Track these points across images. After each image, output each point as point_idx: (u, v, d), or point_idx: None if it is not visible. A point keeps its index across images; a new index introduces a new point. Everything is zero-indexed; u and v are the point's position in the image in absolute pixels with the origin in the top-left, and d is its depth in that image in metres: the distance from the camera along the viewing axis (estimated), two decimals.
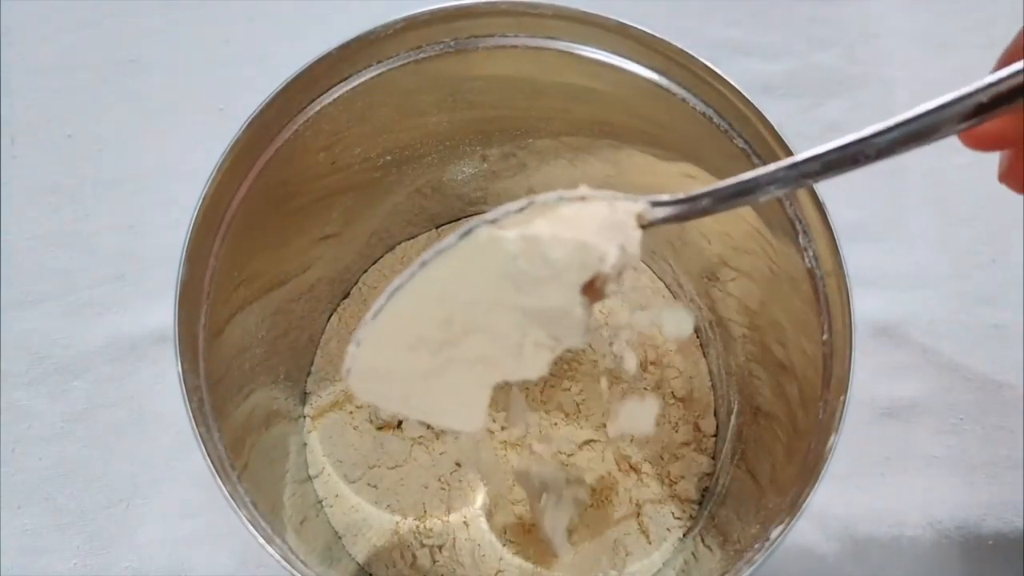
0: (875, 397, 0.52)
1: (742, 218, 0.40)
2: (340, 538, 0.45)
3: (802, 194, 0.36)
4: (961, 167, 0.58)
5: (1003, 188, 0.58)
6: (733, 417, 0.46)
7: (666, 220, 0.30)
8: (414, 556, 0.44)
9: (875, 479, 0.50)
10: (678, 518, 0.45)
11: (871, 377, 0.52)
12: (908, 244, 0.56)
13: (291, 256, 0.44)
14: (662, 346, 0.49)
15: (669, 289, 0.51)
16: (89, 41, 0.61)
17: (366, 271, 0.51)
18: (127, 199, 0.56)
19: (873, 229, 0.56)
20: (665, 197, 0.30)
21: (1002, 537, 0.49)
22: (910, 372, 0.53)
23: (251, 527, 0.30)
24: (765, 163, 0.37)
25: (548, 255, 0.28)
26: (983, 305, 0.54)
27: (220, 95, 0.59)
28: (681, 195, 0.30)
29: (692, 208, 0.29)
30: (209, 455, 0.31)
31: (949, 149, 0.61)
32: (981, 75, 0.68)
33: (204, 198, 0.34)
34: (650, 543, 0.45)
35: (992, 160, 0.60)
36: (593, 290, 0.29)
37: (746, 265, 0.42)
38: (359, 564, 0.44)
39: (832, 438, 0.32)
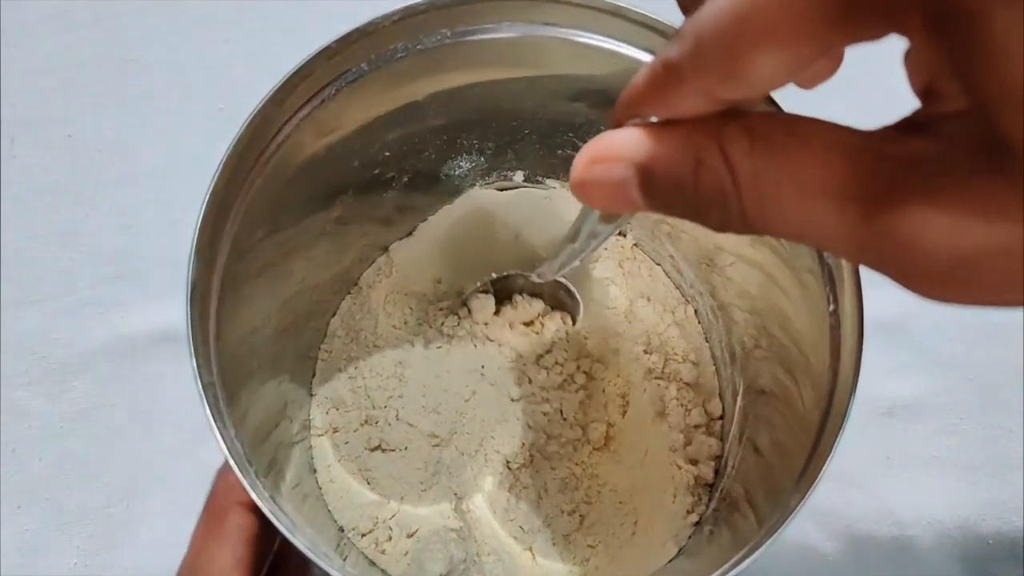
0: (875, 397, 0.52)
1: None
2: (348, 534, 0.45)
3: None
4: None
5: None
6: (739, 399, 0.46)
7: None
8: (423, 550, 0.44)
9: (875, 479, 0.50)
10: (696, 502, 0.45)
11: (871, 377, 0.51)
12: None
13: (294, 254, 0.44)
14: (664, 332, 0.50)
15: (668, 276, 0.51)
16: (89, 41, 0.61)
17: (365, 270, 0.51)
18: (127, 199, 0.56)
19: None
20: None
21: (1002, 537, 0.49)
22: (910, 372, 0.53)
23: (276, 520, 0.30)
24: None
25: None
26: None
27: (220, 95, 0.59)
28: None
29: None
30: (229, 451, 0.31)
31: None
32: None
33: (210, 193, 0.34)
34: (668, 528, 0.45)
35: None
36: None
37: (746, 249, 0.42)
38: (368, 559, 0.44)
39: (843, 414, 0.32)
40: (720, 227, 0.18)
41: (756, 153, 0.17)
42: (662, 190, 0.19)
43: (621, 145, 0.19)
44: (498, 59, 0.40)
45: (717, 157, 0.17)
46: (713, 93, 0.17)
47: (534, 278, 0.43)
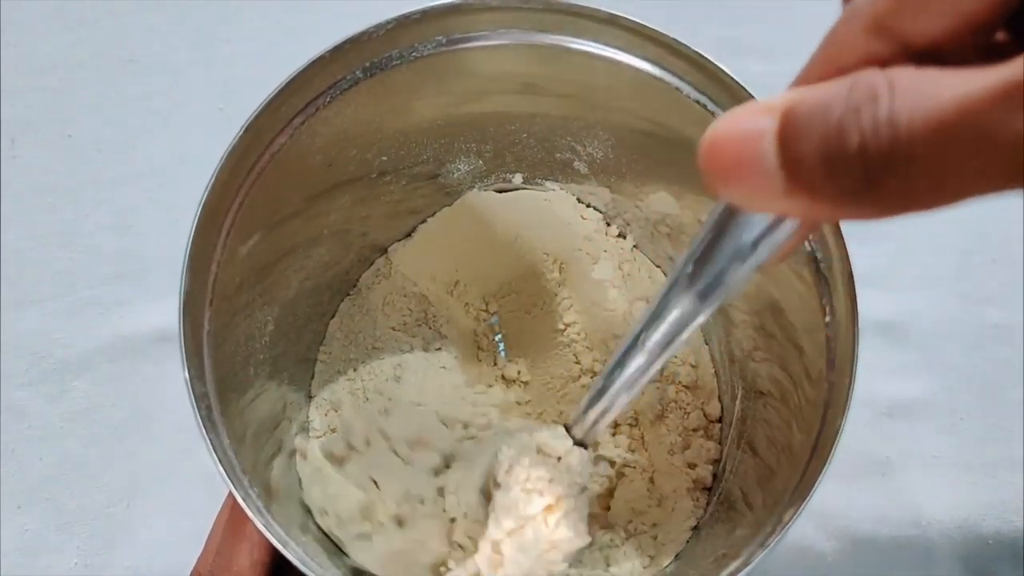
0: (875, 397, 0.52)
1: None
2: (340, 536, 0.45)
3: None
4: None
5: None
6: (738, 402, 0.46)
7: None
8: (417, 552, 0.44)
9: (875, 479, 0.50)
10: (694, 505, 0.45)
11: (871, 377, 0.52)
12: (908, 244, 0.56)
13: (291, 258, 0.44)
14: None
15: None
16: (89, 41, 0.61)
17: (364, 272, 0.51)
18: (127, 199, 0.56)
19: (873, 229, 0.55)
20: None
21: (1002, 537, 0.49)
22: (910, 372, 0.53)
23: (267, 532, 0.30)
24: None
25: None
26: (983, 305, 0.54)
27: (220, 95, 0.59)
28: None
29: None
30: (220, 461, 0.31)
31: None
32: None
33: (203, 205, 0.34)
34: (666, 533, 0.45)
35: None
36: None
37: None
38: (359, 566, 0.44)
39: (840, 419, 0.32)
40: (859, 156, 0.15)
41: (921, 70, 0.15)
42: (802, 130, 0.16)
43: (772, 99, 0.17)
44: (494, 66, 0.40)
45: (876, 72, 0.15)
46: (889, 22, 0.16)
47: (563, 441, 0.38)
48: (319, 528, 0.44)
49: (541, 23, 0.38)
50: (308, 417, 0.48)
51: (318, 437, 0.47)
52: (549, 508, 0.35)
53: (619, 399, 0.32)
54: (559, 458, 0.36)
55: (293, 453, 0.46)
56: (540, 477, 0.35)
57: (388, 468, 0.42)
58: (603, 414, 0.33)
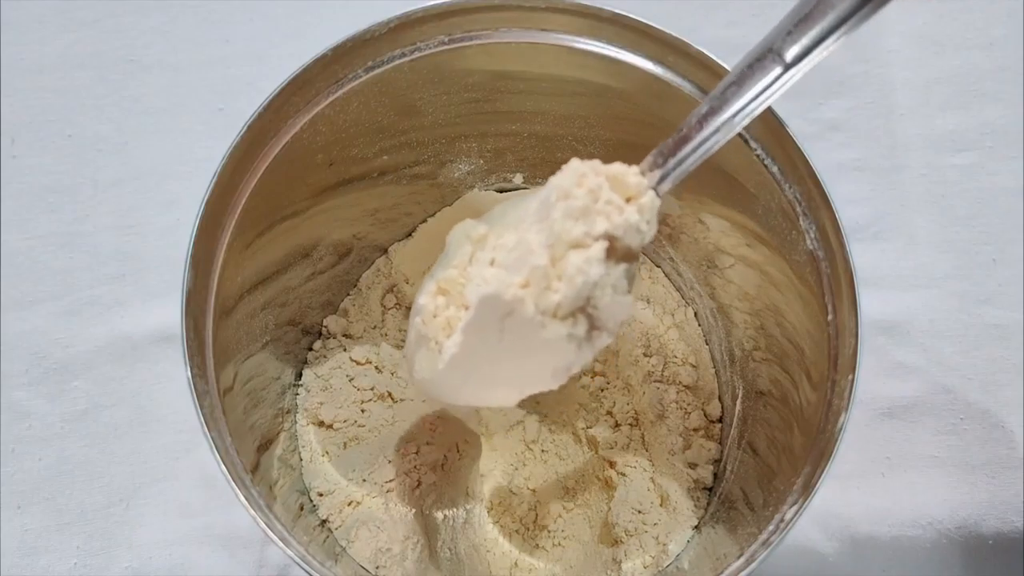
0: (875, 397, 0.52)
1: (740, 203, 0.40)
2: (337, 535, 0.45)
3: (803, 176, 0.36)
4: (961, 167, 0.58)
5: (1003, 188, 0.58)
6: (738, 403, 0.46)
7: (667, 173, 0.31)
8: (413, 550, 0.44)
9: (875, 479, 0.50)
10: (695, 505, 0.45)
11: (871, 377, 0.52)
12: (908, 244, 0.56)
13: (292, 257, 0.44)
14: (664, 335, 0.50)
15: (668, 278, 0.52)
16: (89, 41, 0.61)
17: (365, 272, 0.51)
18: (127, 199, 0.56)
19: (874, 229, 0.56)
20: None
21: (1002, 537, 0.49)
22: (910, 372, 0.53)
23: (268, 530, 0.30)
24: (762, 147, 0.37)
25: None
26: (983, 305, 0.54)
27: (220, 95, 0.59)
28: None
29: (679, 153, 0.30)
30: (223, 460, 0.31)
31: (949, 149, 0.61)
32: (981, 76, 0.68)
33: (205, 204, 0.34)
34: (666, 532, 0.45)
35: (992, 162, 0.60)
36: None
37: (744, 251, 0.42)
38: (357, 562, 0.44)
39: (842, 417, 0.33)
40: None
41: None
42: None
43: None
44: (496, 65, 0.40)
45: None
46: None
47: (640, 178, 0.30)
48: (321, 525, 0.44)
49: (543, 22, 0.38)
50: (306, 413, 0.48)
51: (314, 432, 0.47)
52: (611, 249, 0.28)
53: (717, 135, 0.29)
54: (629, 199, 0.29)
55: (295, 448, 0.46)
56: (609, 201, 0.29)
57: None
58: (698, 147, 0.30)
